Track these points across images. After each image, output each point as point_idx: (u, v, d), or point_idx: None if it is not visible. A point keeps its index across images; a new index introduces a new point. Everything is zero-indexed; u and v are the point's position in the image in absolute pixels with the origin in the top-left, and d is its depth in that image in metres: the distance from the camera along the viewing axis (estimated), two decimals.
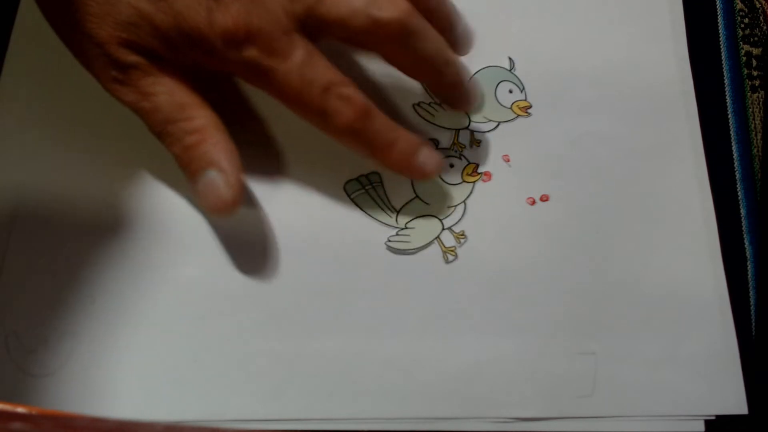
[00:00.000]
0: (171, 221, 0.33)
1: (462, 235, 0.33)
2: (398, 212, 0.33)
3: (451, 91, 0.33)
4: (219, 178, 0.29)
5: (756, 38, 0.38)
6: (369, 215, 0.33)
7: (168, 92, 0.29)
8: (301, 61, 0.29)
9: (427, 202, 0.33)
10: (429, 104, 0.35)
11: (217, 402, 0.30)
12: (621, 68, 0.36)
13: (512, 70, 0.36)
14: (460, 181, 0.34)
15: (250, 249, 0.32)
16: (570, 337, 0.31)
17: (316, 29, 0.29)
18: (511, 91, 0.35)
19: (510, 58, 0.36)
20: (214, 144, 0.29)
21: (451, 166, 0.34)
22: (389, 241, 0.32)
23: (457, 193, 0.33)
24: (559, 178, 0.34)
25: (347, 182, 0.33)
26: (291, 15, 0.29)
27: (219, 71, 0.30)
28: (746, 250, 0.34)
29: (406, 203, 0.33)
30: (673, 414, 0.30)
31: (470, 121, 0.35)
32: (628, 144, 0.34)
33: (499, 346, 0.31)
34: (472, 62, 0.36)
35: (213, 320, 0.31)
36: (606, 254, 0.33)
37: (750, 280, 0.33)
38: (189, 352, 0.31)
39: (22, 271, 0.32)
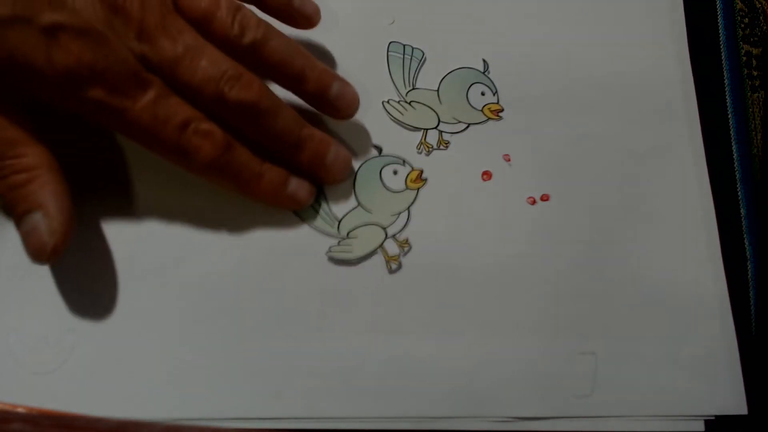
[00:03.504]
0: (172, 221, 0.33)
1: (406, 243, 0.32)
2: (340, 221, 0.33)
3: (308, 169, 0.32)
4: (42, 223, 0.27)
5: (756, 38, 0.38)
6: (309, 225, 0.32)
7: None
8: (153, 100, 0.28)
9: (370, 210, 0.33)
10: (399, 102, 0.35)
11: (217, 401, 0.30)
12: (621, 68, 0.36)
13: (486, 73, 0.36)
14: (404, 188, 0.33)
15: (251, 250, 0.32)
16: (570, 337, 0.31)
17: (167, 82, 0.29)
18: (483, 94, 0.35)
19: (484, 61, 0.36)
20: (42, 184, 0.28)
21: (395, 173, 0.34)
22: (330, 250, 0.32)
23: (401, 200, 0.33)
24: (560, 178, 0.34)
25: None
26: (141, 56, 0.28)
27: (66, 110, 0.29)
28: (746, 250, 0.34)
29: (348, 212, 0.33)
30: (673, 414, 0.30)
31: (439, 121, 0.35)
32: (629, 144, 0.34)
33: (499, 345, 0.31)
34: (445, 63, 0.36)
35: (213, 320, 0.31)
36: (606, 254, 0.33)
37: (750, 280, 0.33)
38: (189, 351, 0.31)
39: (23, 268, 0.32)
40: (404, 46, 0.36)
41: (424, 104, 0.35)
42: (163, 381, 0.30)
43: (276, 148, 0.31)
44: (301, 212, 0.33)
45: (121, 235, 0.32)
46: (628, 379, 0.31)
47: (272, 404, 0.30)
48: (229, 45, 0.30)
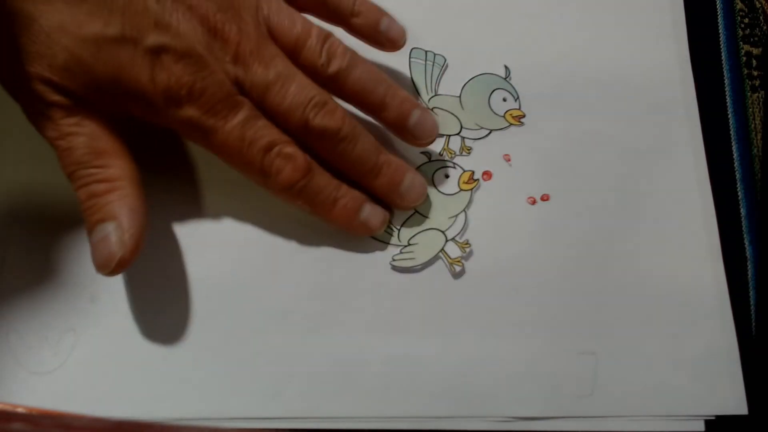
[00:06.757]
0: (171, 221, 0.33)
1: (467, 244, 0.32)
2: (399, 230, 0.33)
3: (383, 195, 0.32)
4: (114, 234, 0.28)
5: (756, 38, 0.38)
6: (371, 236, 0.33)
7: (88, 135, 0.29)
8: (242, 122, 0.29)
9: (427, 215, 0.33)
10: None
11: (218, 400, 0.30)
12: (622, 68, 0.36)
13: (507, 79, 0.36)
14: (457, 190, 0.33)
15: (252, 250, 0.32)
16: (570, 337, 0.31)
17: (257, 105, 0.30)
18: (505, 100, 0.35)
19: (506, 66, 0.36)
20: (122, 197, 0.28)
21: (446, 176, 0.34)
22: (394, 260, 0.32)
23: (456, 202, 0.33)
24: (560, 178, 0.34)
25: None
26: (234, 80, 0.29)
27: (157, 125, 0.30)
28: (746, 250, 0.34)
29: (406, 219, 0.33)
30: (673, 414, 0.30)
31: (462, 127, 0.35)
32: (629, 144, 0.34)
33: (500, 345, 0.31)
34: (467, 69, 0.36)
35: (213, 320, 0.31)
36: (606, 254, 0.33)
37: (750, 280, 0.33)
38: (189, 351, 0.31)
39: (23, 269, 0.32)
40: (426, 52, 0.36)
41: (447, 110, 0.35)
42: (163, 381, 0.30)
43: (353, 173, 0.32)
44: None
45: None
46: (628, 379, 0.31)
47: (272, 404, 0.30)
48: (315, 72, 0.31)
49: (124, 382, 0.30)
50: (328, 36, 0.31)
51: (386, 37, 0.33)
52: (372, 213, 0.32)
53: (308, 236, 0.32)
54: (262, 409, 0.30)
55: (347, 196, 0.31)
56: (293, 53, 0.30)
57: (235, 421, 0.30)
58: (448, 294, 0.32)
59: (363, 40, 0.33)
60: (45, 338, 0.31)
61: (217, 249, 0.32)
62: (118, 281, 0.32)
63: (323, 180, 0.31)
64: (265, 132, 0.29)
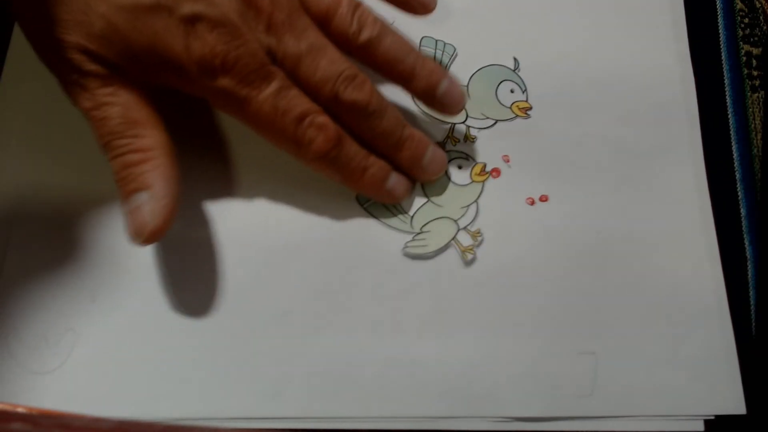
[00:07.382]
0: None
1: (478, 233, 0.33)
2: (412, 217, 0.33)
3: (406, 167, 0.33)
4: (148, 203, 0.28)
5: (756, 38, 0.38)
6: (384, 223, 0.33)
7: (122, 105, 0.29)
8: (275, 92, 0.29)
9: (440, 204, 0.33)
10: None
11: (218, 400, 0.30)
12: (622, 68, 0.36)
13: (516, 71, 0.36)
14: (470, 181, 0.34)
15: (253, 249, 0.32)
16: (570, 337, 0.31)
17: (288, 75, 0.30)
18: (512, 91, 0.35)
19: (515, 58, 0.36)
20: (156, 166, 0.29)
21: (459, 167, 0.34)
22: (406, 246, 0.32)
23: (468, 193, 0.33)
24: (559, 179, 0.34)
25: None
26: (267, 49, 0.29)
27: (191, 95, 0.30)
28: (746, 250, 0.34)
29: (419, 207, 0.33)
30: (672, 414, 0.30)
31: (467, 116, 0.35)
32: (629, 144, 0.34)
33: (500, 345, 0.31)
34: (476, 59, 0.36)
35: (213, 320, 0.31)
36: (606, 254, 0.33)
37: (750, 280, 0.33)
38: (189, 350, 0.31)
39: (23, 269, 0.32)
40: (436, 41, 0.36)
41: None
42: (163, 381, 0.30)
43: (379, 145, 0.32)
44: (376, 210, 0.33)
45: (120, 235, 0.32)
46: (628, 379, 0.31)
47: (272, 404, 0.30)
48: (346, 41, 0.31)
49: (124, 382, 0.30)
50: (358, 5, 0.31)
51: (418, 1, 0.33)
52: (397, 182, 0.32)
53: (309, 236, 0.33)
54: (262, 409, 0.30)
55: (375, 165, 0.32)
56: (324, 22, 0.31)
57: (235, 421, 0.30)
58: (447, 294, 0.32)
59: (394, 4, 0.33)
60: (45, 338, 0.31)
61: (218, 249, 0.32)
62: (117, 281, 0.32)
63: (353, 150, 0.31)
64: (297, 102, 0.30)
